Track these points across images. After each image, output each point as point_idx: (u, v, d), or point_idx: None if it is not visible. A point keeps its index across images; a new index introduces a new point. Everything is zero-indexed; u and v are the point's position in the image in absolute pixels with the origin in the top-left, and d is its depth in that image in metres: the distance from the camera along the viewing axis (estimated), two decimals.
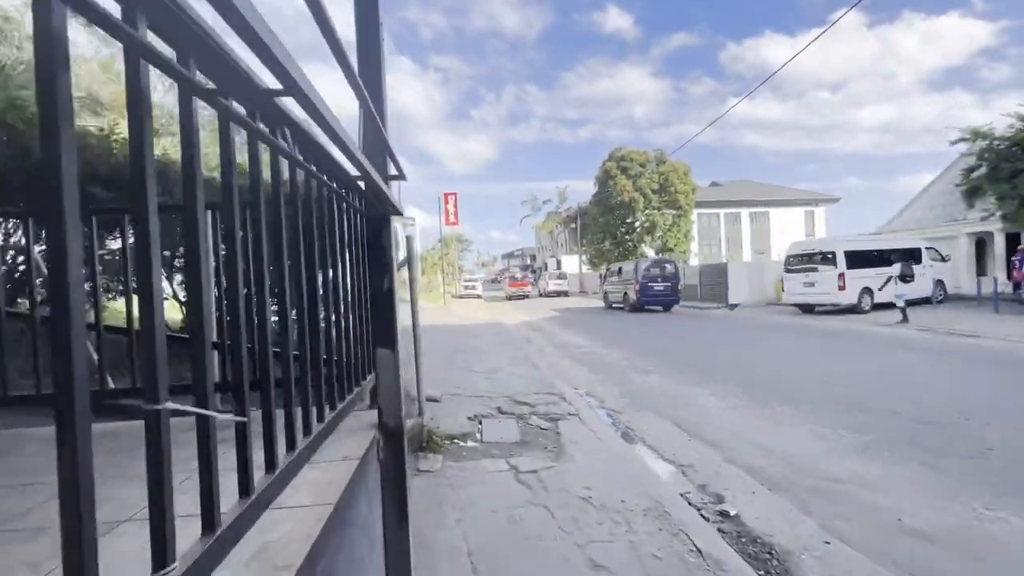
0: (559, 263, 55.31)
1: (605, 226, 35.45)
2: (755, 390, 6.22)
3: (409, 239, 4.52)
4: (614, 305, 21.63)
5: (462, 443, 4.39)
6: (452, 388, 6.42)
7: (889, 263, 15.75)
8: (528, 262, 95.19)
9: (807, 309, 16.21)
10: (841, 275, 14.56)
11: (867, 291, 14.84)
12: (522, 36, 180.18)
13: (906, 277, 12.87)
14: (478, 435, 4.64)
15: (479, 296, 35.70)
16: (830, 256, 15.15)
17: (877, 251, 15.58)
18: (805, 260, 16.00)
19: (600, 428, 4.85)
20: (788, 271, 16.38)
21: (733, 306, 20.16)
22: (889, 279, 13.55)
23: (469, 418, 5.10)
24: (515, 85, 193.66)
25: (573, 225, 62.03)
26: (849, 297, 14.69)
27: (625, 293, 20.28)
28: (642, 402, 6.00)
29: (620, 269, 22.20)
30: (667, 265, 20.20)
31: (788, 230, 51.52)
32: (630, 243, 35.81)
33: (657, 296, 19.46)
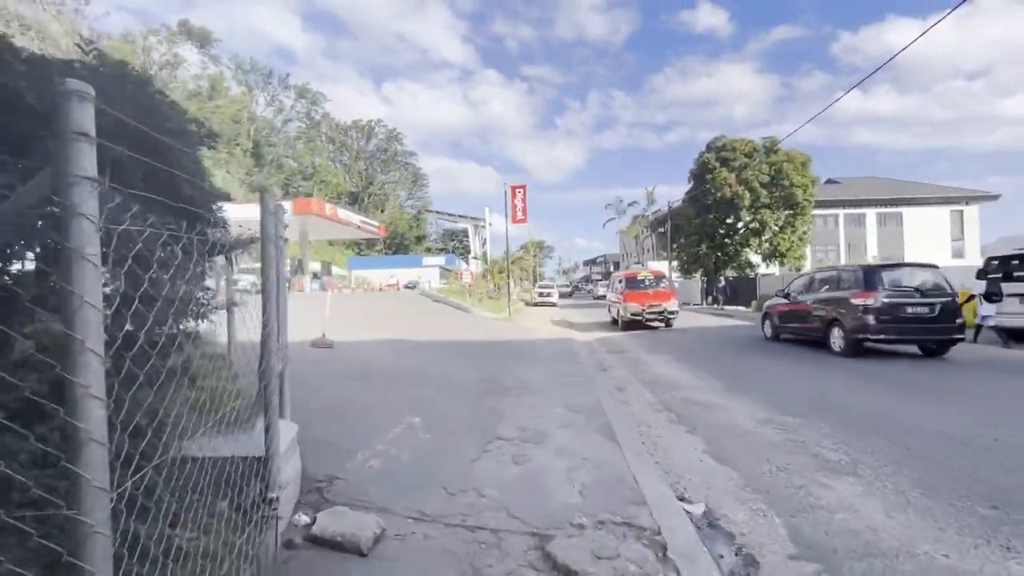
0: None
1: (701, 227, 30.69)
2: None
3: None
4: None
5: None
6: (433, 492, 3.22)
7: None
8: (611, 269, 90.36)
9: (1016, 336, 11.11)
10: None
11: None
12: (608, 41, 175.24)
13: (992, 296, 10.82)
14: None
15: (555, 305, 32.39)
16: None
17: None
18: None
19: None
20: (991, 279, 11.35)
21: None
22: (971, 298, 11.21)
23: None
24: (601, 91, 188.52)
25: (662, 228, 56.79)
26: None
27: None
28: None
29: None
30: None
31: (928, 233, 42.96)
32: (731, 247, 30.70)
33: None
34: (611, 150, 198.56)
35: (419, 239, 79.30)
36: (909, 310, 9.07)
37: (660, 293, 16.48)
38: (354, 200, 70.93)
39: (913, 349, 9.82)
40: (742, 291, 26.76)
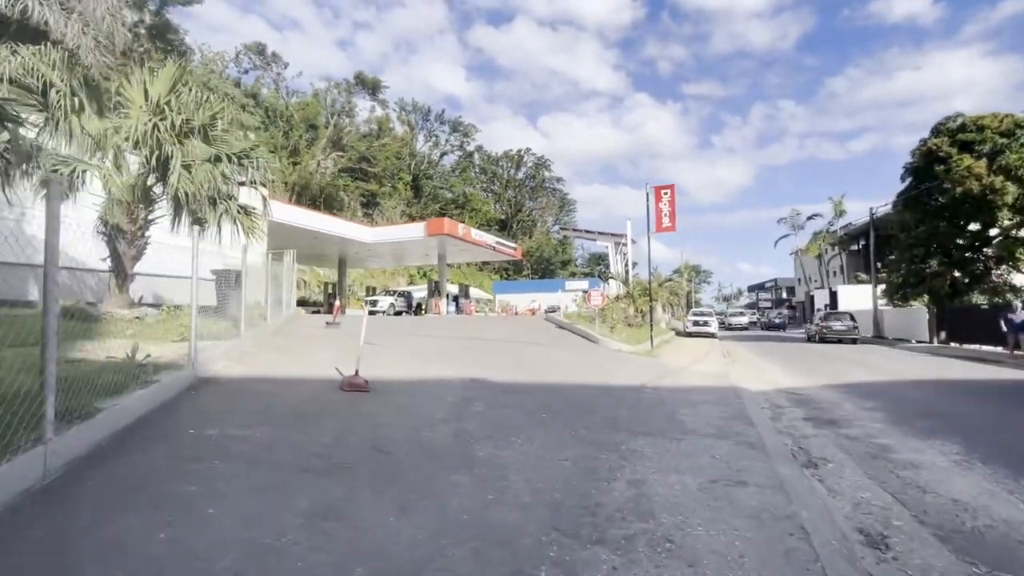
0: (833, 295, 40.95)
1: (927, 237, 22.63)
2: None
3: None
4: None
5: None
6: None
7: None
8: (784, 296, 77.50)
9: None
10: None
11: None
12: (774, 49, 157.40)
13: None
14: None
15: (713, 335, 26.82)
16: None
17: None
18: None
19: None
20: None
21: None
22: None
23: None
24: (767, 103, 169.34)
25: (856, 246, 46.05)
26: None
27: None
28: None
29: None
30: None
31: None
32: (977, 264, 22.05)
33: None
34: (781, 165, 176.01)
35: (564, 264, 77.67)
36: None
37: None
38: (503, 227, 72.22)
39: None
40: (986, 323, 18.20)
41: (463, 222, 39.28)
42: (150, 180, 7.59)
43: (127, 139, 6.88)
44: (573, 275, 71.34)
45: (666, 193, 15.83)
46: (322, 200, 52.15)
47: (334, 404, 5.29)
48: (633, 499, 3.43)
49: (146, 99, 7.06)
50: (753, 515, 3.26)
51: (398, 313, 29.74)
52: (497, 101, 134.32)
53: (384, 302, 29.86)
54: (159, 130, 6.82)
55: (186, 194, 6.91)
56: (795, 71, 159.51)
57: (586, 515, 3.13)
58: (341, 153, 58.93)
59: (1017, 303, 17.25)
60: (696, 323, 27.67)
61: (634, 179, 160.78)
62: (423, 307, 33.12)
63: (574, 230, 63.01)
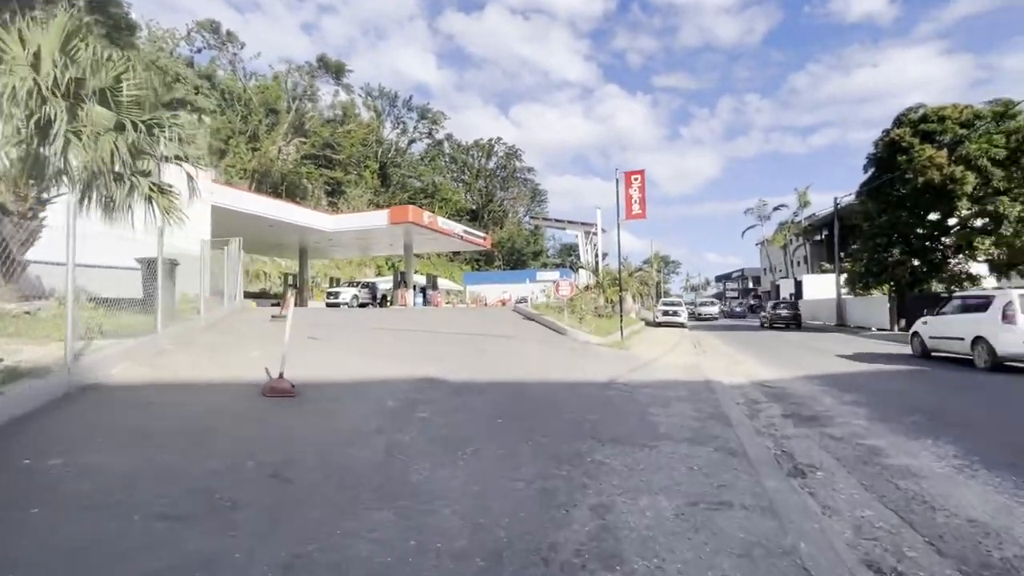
0: (798, 284, 41.74)
1: (889, 227, 22.91)
2: None
3: None
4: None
5: None
6: None
7: None
8: (751, 285, 79.19)
9: None
10: None
11: None
12: (741, 44, 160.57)
13: None
14: None
15: (683, 325, 26.72)
16: None
17: None
18: None
19: None
20: None
21: None
22: None
23: None
24: (733, 96, 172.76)
25: (820, 236, 47.02)
26: None
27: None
28: None
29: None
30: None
31: None
32: (938, 252, 22.45)
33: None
34: (748, 158, 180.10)
35: (536, 254, 77.20)
36: None
37: None
38: (474, 217, 71.02)
39: None
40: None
41: (432, 211, 38.05)
42: (44, 151, 6.48)
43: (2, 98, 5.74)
44: (545, 265, 71.01)
45: (636, 179, 15.26)
46: (284, 188, 49.89)
47: (245, 415, 4.43)
48: (596, 534, 2.75)
49: (23, 50, 5.94)
50: (743, 551, 2.63)
51: (363, 305, 28.57)
52: (468, 90, 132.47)
53: (347, 294, 28.60)
54: (40, 89, 5.72)
55: (82, 167, 5.84)
56: (761, 65, 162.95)
57: (536, 563, 2.42)
58: (303, 139, 56.46)
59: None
60: (666, 313, 27.49)
61: (605, 170, 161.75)
62: (389, 299, 31.97)
63: (544, 219, 62.50)
